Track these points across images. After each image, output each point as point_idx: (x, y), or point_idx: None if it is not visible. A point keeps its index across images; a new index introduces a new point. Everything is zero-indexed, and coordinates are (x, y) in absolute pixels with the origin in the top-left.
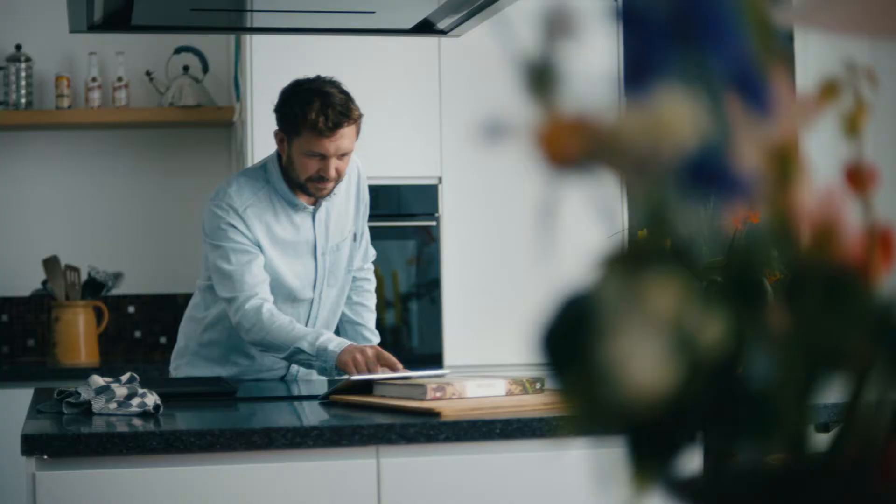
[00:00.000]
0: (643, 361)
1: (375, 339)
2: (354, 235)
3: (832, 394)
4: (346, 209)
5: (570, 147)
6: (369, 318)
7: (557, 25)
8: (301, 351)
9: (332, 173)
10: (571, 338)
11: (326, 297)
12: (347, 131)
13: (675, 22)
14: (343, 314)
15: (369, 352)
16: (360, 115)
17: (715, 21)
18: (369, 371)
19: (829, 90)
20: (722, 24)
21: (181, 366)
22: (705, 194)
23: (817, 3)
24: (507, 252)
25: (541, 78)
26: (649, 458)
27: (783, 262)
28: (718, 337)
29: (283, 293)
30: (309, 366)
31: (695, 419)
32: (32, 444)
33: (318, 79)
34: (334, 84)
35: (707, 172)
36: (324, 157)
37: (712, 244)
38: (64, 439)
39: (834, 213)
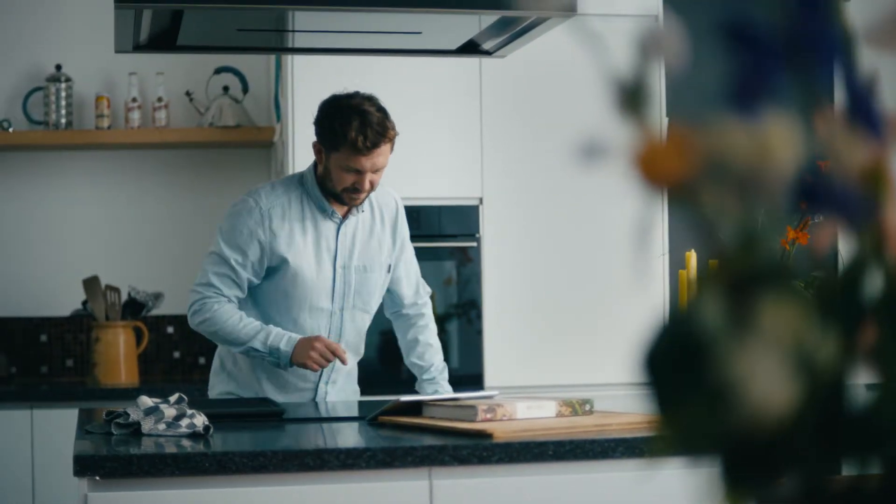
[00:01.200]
0: (766, 382)
1: (444, 377)
2: (389, 267)
3: None
4: (380, 237)
5: (670, 167)
6: (434, 356)
7: (653, 47)
8: (256, 349)
9: (367, 186)
10: (677, 360)
11: (352, 318)
12: (384, 149)
13: (786, 42)
14: (412, 362)
15: (318, 345)
16: (396, 134)
17: (826, 41)
18: (327, 361)
19: None
20: (834, 44)
21: (216, 384)
22: (811, 214)
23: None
24: (548, 273)
25: (635, 98)
26: (747, 480)
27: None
28: (835, 355)
29: (299, 297)
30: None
31: (805, 438)
32: (84, 465)
33: (356, 94)
34: (372, 102)
35: (817, 195)
36: (360, 172)
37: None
38: (116, 460)
39: None
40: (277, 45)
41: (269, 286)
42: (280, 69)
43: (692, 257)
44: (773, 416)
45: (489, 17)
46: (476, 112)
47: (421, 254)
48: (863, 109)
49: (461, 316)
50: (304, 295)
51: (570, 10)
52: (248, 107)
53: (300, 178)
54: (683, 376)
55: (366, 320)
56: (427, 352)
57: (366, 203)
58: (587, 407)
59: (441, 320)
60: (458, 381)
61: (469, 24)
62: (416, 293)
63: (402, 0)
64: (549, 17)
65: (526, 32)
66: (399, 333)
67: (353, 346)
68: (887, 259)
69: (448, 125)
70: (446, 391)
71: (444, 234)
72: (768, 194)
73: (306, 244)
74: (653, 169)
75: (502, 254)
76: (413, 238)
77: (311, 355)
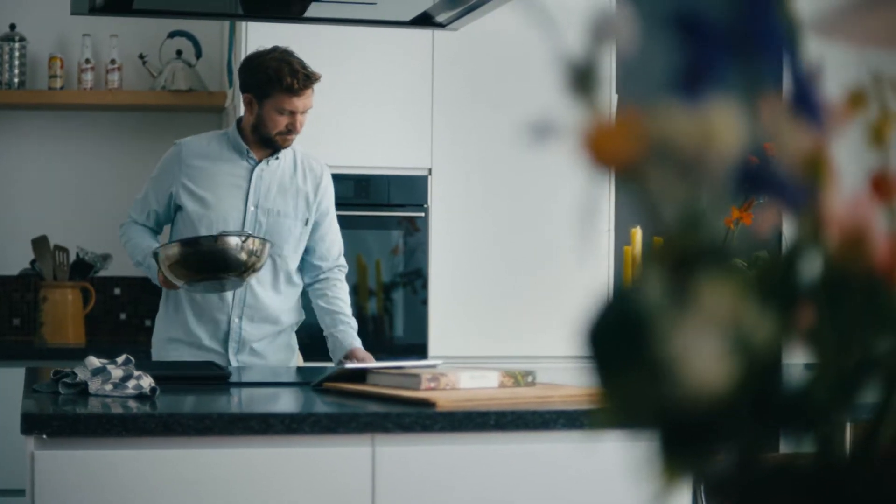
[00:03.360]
0: (703, 359)
1: (353, 325)
2: (307, 221)
3: (865, 393)
4: (298, 189)
5: (618, 149)
6: (345, 307)
7: (604, 29)
8: (140, 263)
9: (298, 127)
10: (619, 335)
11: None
12: (310, 91)
13: (732, 33)
14: (320, 307)
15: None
16: (319, 78)
17: (772, 33)
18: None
19: (855, 100)
20: (779, 36)
21: (157, 328)
22: (751, 198)
23: (840, 17)
24: (495, 245)
25: (586, 79)
26: (684, 453)
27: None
28: (771, 336)
29: (206, 226)
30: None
31: (740, 416)
32: (32, 423)
33: (277, 48)
34: (292, 53)
35: (755, 178)
36: (293, 113)
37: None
38: (63, 419)
39: (862, 220)
40: (232, 11)
41: (182, 216)
42: (234, 35)
43: (637, 234)
44: (708, 393)
45: None
46: (427, 84)
47: (369, 223)
48: (805, 98)
49: (407, 285)
50: (212, 225)
51: None
52: (201, 71)
53: (224, 131)
54: (623, 351)
55: (280, 264)
56: (338, 303)
57: (290, 157)
58: (529, 378)
59: (387, 289)
60: (402, 351)
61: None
62: (336, 261)
63: None
64: None
65: (479, 6)
66: (316, 301)
67: (272, 286)
68: (825, 243)
69: (399, 96)
70: (353, 337)
71: (393, 204)
72: (711, 177)
73: (216, 178)
74: (600, 150)
75: (450, 224)
76: (361, 206)
77: (160, 279)
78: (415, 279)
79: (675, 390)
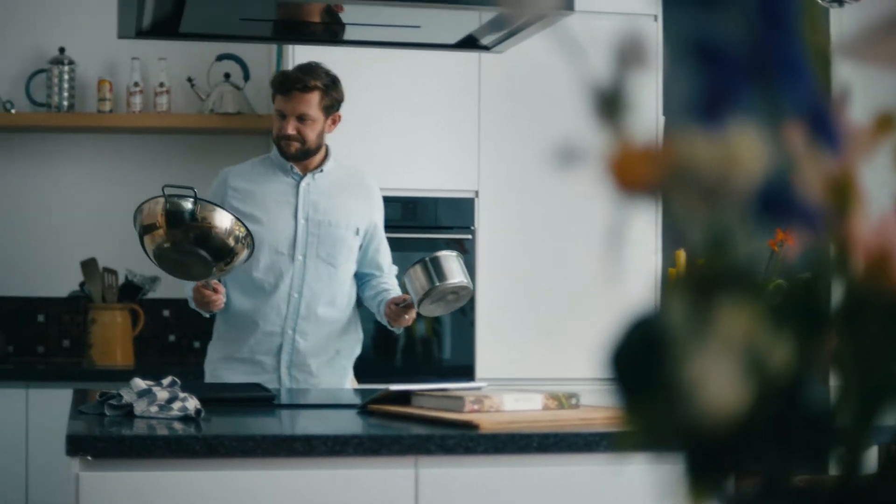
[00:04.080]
0: (716, 382)
1: (395, 287)
2: (358, 230)
3: (889, 417)
4: (349, 199)
5: (641, 173)
6: (387, 285)
7: (630, 54)
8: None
9: (289, 130)
10: (641, 358)
11: (316, 268)
12: (306, 97)
13: (751, 59)
14: (367, 296)
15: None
16: (324, 86)
17: (789, 58)
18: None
19: (883, 123)
20: (796, 61)
21: (210, 350)
22: (771, 222)
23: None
24: (541, 266)
25: (611, 105)
26: (708, 476)
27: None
28: (787, 360)
29: (267, 244)
30: None
31: (759, 439)
32: (77, 445)
33: (309, 62)
34: (322, 66)
35: (774, 202)
36: (283, 116)
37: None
38: (108, 440)
39: (888, 242)
40: (275, 35)
41: None
42: (281, 58)
43: (682, 256)
44: (723, 417)
45: (488, 13)
46: (474, 105)
47: (417, 244)
48: (823, 123)
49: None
50: (263, 238)
51: (567, 7)
52: (249, 94)
53: (267, 155)
54: (645, 373)
55: (334, 274)
56: (381, 285)
57: (337, 169)
58: (573, 401)
59: None
60: (450, 373)
61: (468, 20)
62: (388, 270)
63: None
64: (546, 15)
65: (523, 29)
66: (364, 294)
67: (325, 298)
68: (851, 266)
69: (446, 118)
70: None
71: (440, 226)
72: (734, 202)
73: (264, 197)
74: (624, 174)
75: (496, 246)
76: (408, 229)
77: (194, 296)
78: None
79: (693, 414)
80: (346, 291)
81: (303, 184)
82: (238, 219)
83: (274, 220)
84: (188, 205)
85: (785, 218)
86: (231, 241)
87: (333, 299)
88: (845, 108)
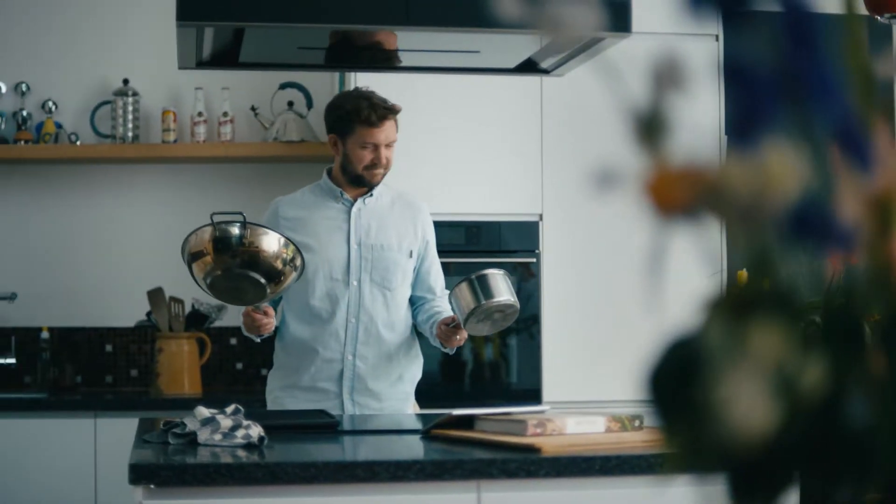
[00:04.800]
0: (745, 403)
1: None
2: (411, 252)
3: None
4: (398, 222)
5: (678, 195)
6: (439, 308)
7: (667, 76)
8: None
9: (384, 160)
10: (676, 379)
11: (371, 292)
12: (391, 123)
13: (781, 78)
14: (421, 320)
15: (245, 312)
16: (400, 110)
17: (820, 77)
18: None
19: None
20: (826, 80)
21: (269, 381)
22: (806, 243)
23: None
24: (606, 289)
25: (650, 127)
26: (751, 497)
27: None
28: (819, 380)
29: (313, 268)
30: None
31: (795, 460)
32: (140, 473)
33: (357, 88)
34: (371, 91)
35: (808, 222)
36: (376, 147)
37: (813, 288)
38: (171, 469)
39: None
40: (336, 62)
41: None
42: (343, 86)
43: (744, 276)
44: (753, 437)
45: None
46: (537, 127)
47: (481, 269)
48: (853, 143)
49: (522, 331)
50: (318, 265)
51: (623, 29)
52: (313, 122)
53: (317, 183)
54: (681, 395)
55: (390, 297)
56: (434, 308)
57: (386, 193)
58: (637, 423)
59: (503, 335)
60: (517, 396)
61: (527, 44)
62: (441, 293)
63: (461, 20)
64: (604, 38)
65: (582, 52)
66: (418, 319)
67: (383, 321)
68: (892, 286)
69: (509, 140)
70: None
71: (505, 250)
72: (770, 223)
73: (316, 224)
74: (662, 197)
75: (561, 269)
76: (473, 253)
77: (244, 321)
78: (531, 324)
79: (726, 435)
80: (403, 315)
81: (354, 209)
82: (288, 239)
83: (327, 246)
84: (235, 230)
85: (822, 238)
86: (279, 264)
87: (391, 322)
88: (880, 125)
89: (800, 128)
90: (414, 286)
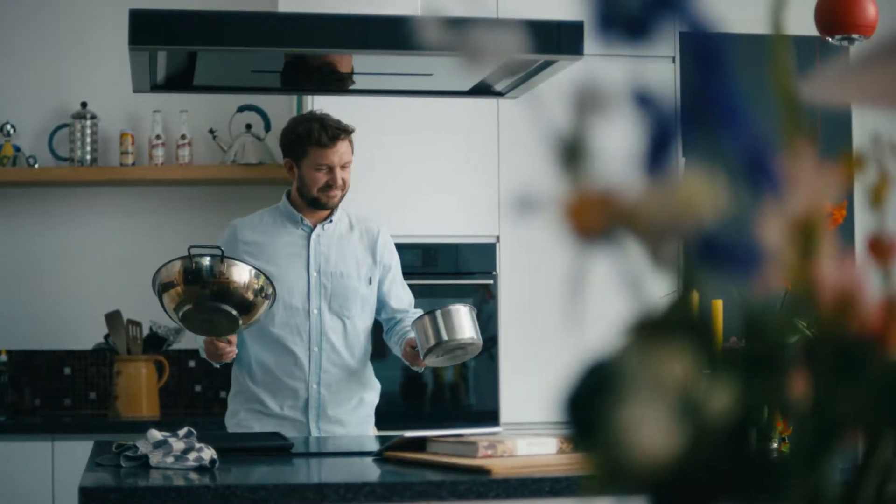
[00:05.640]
0: (650, 428)
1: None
2: (370, 280)
3: (847, 458)
4: (356, 249)
5: (595, 220)
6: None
7: (588, 102)
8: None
9: (339, 181)
10: (591, 402)
11: (332, 321)
12: (345, 145)
13: (692, 102)
14: (393, 339)
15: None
16: (353, 130)
17: (728, 102)
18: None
19: (855, 162)
20: (735, 104)
21: (230, 404)
22: (724, 268)
23: (841, 77)
24: (563, 311)
25: (570, 153)
26: None
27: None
28: (728, 403)
29: (281, 299)
30: None
31: (711, 482)
32: (91, 497)
33: (311, 112)
34: (325, 114)
35: (721, 246)
36: (330, 168)
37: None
38: (121, 492)
39: (854, 283)
40: (290, 85)
41: None
42: (301, 108)
43: (719, 305)
44: (657, 461)
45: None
46: (493, 149)
47: (439, 290)
48: (761, 168)
49: (481, 353)
50: (280, 295)
51: (576, 52)
52: (271, 145)
53: (276, 206)
54: (595, 418)
55: (349, 326)
56: (403, 322)
57: (344, 218)
58: None
59: None
60: (475, 417)
61: (480, 66)
62: (409, 307)
63: (411, 44)
64: (556, 61)
65: (535, 74)
66: (390, 340)
67: (344, 349)
68: (814, 309)
69: (465, 163)
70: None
71: (462, 272)
72: (684, 249)
73: (275, 249)
74: (579, 221)
75: (518, 291)
76: (430, 275)
77: (206, 348)
78: (490, 346)
79: (633, 458)
80: (362, 342)
81: (313, 236)
82: (258, 270)
83: (286, 273)
84: (206, 261)
85: (740, 263)
86: (250, 295)
87: (352, 349)
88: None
89: (713, 153)
90: (381, 309)
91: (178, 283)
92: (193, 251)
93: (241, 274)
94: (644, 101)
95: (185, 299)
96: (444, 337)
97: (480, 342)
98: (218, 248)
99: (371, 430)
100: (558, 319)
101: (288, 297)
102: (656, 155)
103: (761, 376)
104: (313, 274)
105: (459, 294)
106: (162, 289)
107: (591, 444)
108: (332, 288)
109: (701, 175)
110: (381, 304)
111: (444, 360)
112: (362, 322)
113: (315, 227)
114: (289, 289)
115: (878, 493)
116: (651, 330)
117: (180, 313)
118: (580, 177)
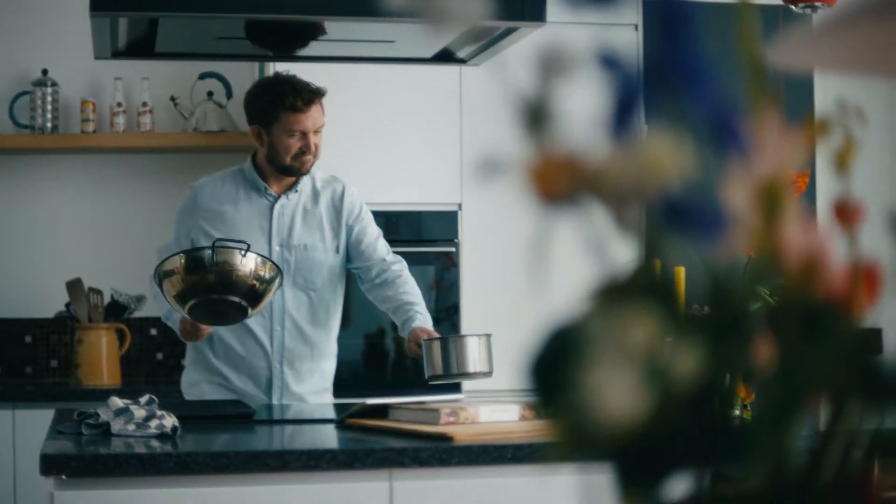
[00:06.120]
0: (615, 392)
1: (418, 310)
2: (337, 248)
3: (812, 423)
4: (320, 218)
5: (560, 183)
6: (406, 297)
7: (552, 65)
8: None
9: (312, 147)
10: (556, 367)
11: (295, 296)
12: (317, 108)
13: (658, 66)
14: (387, 307)
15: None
16: (325, 92)
17: (694, 65)
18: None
19: (819, 128)
20: (700, 69)
21: (186, 374)
22: (689, 231)
23: (805, 43)
24: (525, 278)
25: (535, 117)
26: (635, 484)
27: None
28: (692, 369)
29: None
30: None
31: (676, 447)
32: (51, 464)
33: (278, 75)
34: (292, 75)
35: (689, 210)
36: (304, 134)
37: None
38: (82, 460)
39: (820, 247)
40: (255, 52)
41: None
42: (263, 74)
43: (682, 272)
44: (623, 426)
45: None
46: (456, 117)
47: (405, 259)
48: (728, 131)
49: (443, 320)
50: None
51: (538, 19)
52: (233, 112)
53: (239, 168)
54: (560, 383)
55: (315, 298)
56: (400, 298)
57: (308, 185)
58: None
59: None
60: (438, 386)
61: (443, 33)
62: (387, 256)
63: (373, 10)
64: (518, 28)
65: (498, 41)
66: (383, 306)
67: (308, 324)
68: (778, 273)
69: (428, 131)
70: (416, 321)
71: (424, 239)
72: (642, 213)
73: (236, 221)
74: (544, 185)
75: (480, 259)
76: (392, 243)
77: (180, 327)
78: (452, 313)
79: (599, 423)
80: (329, 314)
81: (276, 206)
82: (264, 257)
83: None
84: (207, 253)
85: (704, 226)
86: (257, 283)
87: (317, 322)
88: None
89: (678, 116)
90: (354, 260)
91: (180, 272)
92: (219, 244)
93: (247, 263)
94: (609, 62)
95: (190, 293)
96: (453, 370)
97: (490, 372)
98: (244, 242)
99: (328, 398)
100: (521, 287)
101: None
102: (621, 118)
103: (725, 342)
104: (276, 248)
105: (421, 262)
106: (163, 276)
107: (556, 409)
108: (295, 262)
109: (665, 139)
110: (357, 254)
111: (450, 382)
112: (329, 293)
113: (280, 196)
114: None
115: (842, 459)
116: (615, 294)
117: (186, 307)
118: (544, 141)
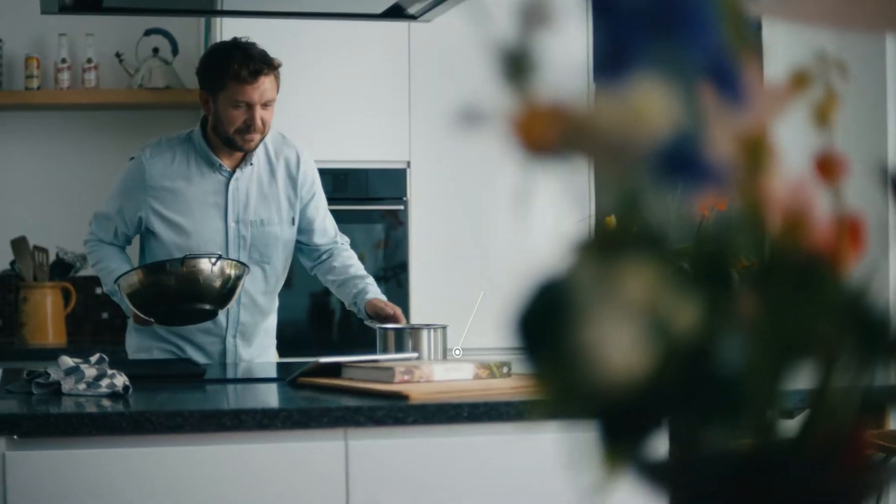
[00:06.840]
0: (616, 346)
1: (368, 282)
2: (293, 220)
3: (801, 380)
4: (276, 190)
5: (545, 134)
6: (355, 270)
7: (533, 14)
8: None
9: (259, 123)
10: (545, 322)
11: (251, 273)
12: (269, 80)
13: (649, 11)
14: (331, 281)
15: None
16: (280, 64)
17: (689, 11)
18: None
19: (799, 80)
20: (696, 14)
21: (130, 339)
22: (676, 181)
23: None
24: (475, 236)
25: (516, 66)
26: (620, 442)
27: (752, 249)
28: (691, 323)
29: (188, 251)
30: None
31: (665, 404)
32: (2, 424)
33: (235, 39)
34: (251, 43)
35: (678, 160)
36: (250, 106)
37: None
38: (34, 419)
39: (804, 201)
40: (203, 7)
41: (158, 244)
42: (209, 31)
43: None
44: (624, 381)
45: None
46: (404, 75)
47: (350, 216)
48: (725, 79)
49: (390, 279)
50: (190, 248)
51: None
52: (178, 69)
53: (188, 135)
54: (550, 339)
55: (269, 269)
56: (348, 271)
57: (261, 155)
58: (505, 369)
59: None
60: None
61: None
62: (334, 237)
63: None
64: None
65: None
66: (331, 286)
67: (261, 292)
68: (763, 227)
69: (376, 88)
70: (369, 292)
71: (372, 197)
72: (638, 162)
73: (190, 200)
74: (529, 135)
75: (429, 217)
76: (341, 201)
77: (132, 315)
78: (399, 272)
79: (596, 378)
80: (280, 280)
81: (232, 182)
82: (214, 259)
83: (201, 225)
84: (167, 273)
85: (691, 177)
86: (218, 283)
87: (269, 290)
88: (751, 63)
89: (669, 63)
90: (302, 234)
91: (147, 296)
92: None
93: (215, 271)
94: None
95: (155, 304)
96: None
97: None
98: (217, 254)
99: (273, 357)
100: (469, 245)
101: (204, 251)
102: (612, 65)
103: (713, 296)
104: (231, 224)
105: (369, 220)
106: (131, 299)
107: (547, 367)
108: (251, 238)
109: (654, 87)
110: (306, 229)
111: None
112: (282, 262)
113: (234, 171)
114: (205, 242)
115: (832, 416)
116: (607, 247)
117: (152, 316)
118: (526, 90)
